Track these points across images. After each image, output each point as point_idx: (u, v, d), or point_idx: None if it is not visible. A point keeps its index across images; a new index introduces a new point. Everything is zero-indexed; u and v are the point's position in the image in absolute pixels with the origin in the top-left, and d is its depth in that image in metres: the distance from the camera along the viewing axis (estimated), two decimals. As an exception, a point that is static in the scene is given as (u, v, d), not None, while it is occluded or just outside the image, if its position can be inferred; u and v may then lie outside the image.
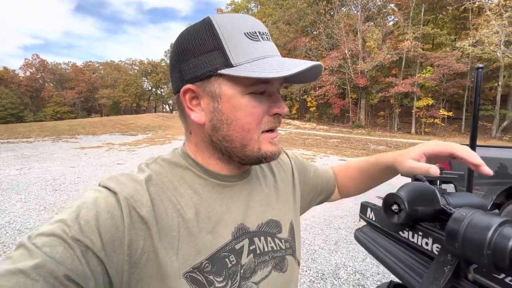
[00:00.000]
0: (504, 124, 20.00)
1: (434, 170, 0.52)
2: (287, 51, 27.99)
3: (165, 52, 60.50)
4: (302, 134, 18.58)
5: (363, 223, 0.89)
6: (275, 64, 0.39)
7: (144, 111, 59.21)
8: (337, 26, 26.00)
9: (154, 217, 0.37)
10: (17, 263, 0.29)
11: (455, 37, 24.04)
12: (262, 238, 0.48)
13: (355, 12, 27.01)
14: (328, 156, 10.55)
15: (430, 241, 0.60)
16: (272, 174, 0.57)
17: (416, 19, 23.81)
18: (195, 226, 0.41)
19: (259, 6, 38.91)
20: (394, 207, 0.65)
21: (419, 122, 22.80)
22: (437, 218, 0.58)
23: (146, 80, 62.69)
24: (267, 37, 0.42)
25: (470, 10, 21.81)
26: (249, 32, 0.40)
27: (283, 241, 0.52)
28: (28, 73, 56.37)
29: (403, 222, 0.62)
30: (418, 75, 22.30)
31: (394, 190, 0.70)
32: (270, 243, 0.49)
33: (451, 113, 22.18)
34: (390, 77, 23.52)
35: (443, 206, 0.58)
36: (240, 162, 0.46)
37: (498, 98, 19.84)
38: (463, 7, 21.61)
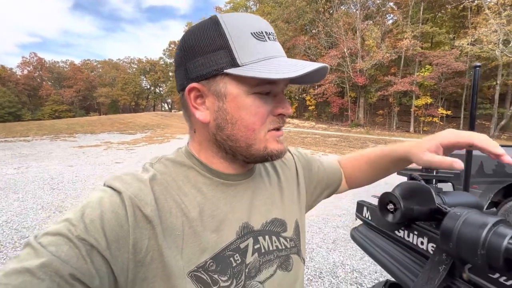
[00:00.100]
0: (502, 122, 20.06)
1: (458, 164, 0.47)
2: (286, 50, 27.90)
3: (164, 50, 60.35)
4: (301, 133, 18.58)
5: (359, 222, 0.89)
6: (281, 65, 0.39)
7: (142, 109, 59.07)
8: (336, 25, 25.96)
9: (159, 216, 0.37)
10: (24, 262, 0.30)
11: (454, 35, 24.08)
12: (267, 237, 0.48)
13: (354, 10, 26.97)
14: (327, 155, 10.57)
15: (425, 240, 0.59)
16: (276, 172, 0.57)
17: (415, 18, 23.80)
18: (199, 225, 0.41)
19: (258, 4, 38.77)
20: (390, 206, 0.64)
21: (417, 121, 22.85)
22: (433, 217, 0.58)
23: (144, 79, 62.50)
24: (273, 37, 0.42)
25: (469, 9, 21.82)
26: (256, 32, 0.40)
27: (288, 239, 0.52)
28: (25, 72, 56.08)
29: (398, 221, 0.62)
30: (417, 73, 22.32)
31: (389, 189, 0.70)
32: (275, 242, 0.49)
33: (450, 111, 22.25)
34: (389, 75, 23.53)
35: (438, 205, 0.57)
36: (245, 161, 0.45)
37: (496, 96, 19.90)
38: (462, 6, 21.62)
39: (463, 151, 0.76)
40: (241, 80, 0.40)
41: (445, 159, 0.49)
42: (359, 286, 2.28)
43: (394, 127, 23.63)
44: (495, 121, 20.04)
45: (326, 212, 4.11)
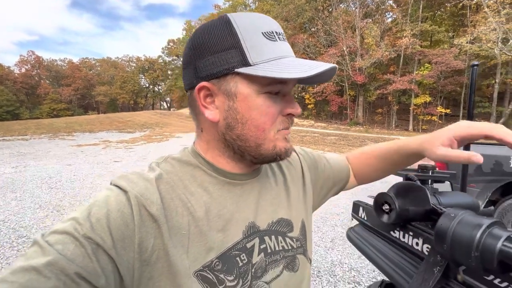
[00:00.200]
0: (501, 121, 20.11)
1: (477, 157, 0.44)
2: (285, 48, 27.72)
3: (162, 48, 60.11)
4: (300, 131, 18.58)
5: (356, 222, 0.89)
6: (292, 65, 0.39)
7: (141, 108, 58.95)
8: (335, 23, 25.90)
9: (164, 215, 0.37)
10: (31, 260, 0.30)
11: (453, 34, 24.06)
12: (273, 237, 0.48)
13: (354, 8, 26.91)
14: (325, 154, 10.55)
15: (420, 241, 0.59)
16: (282, 172, 0.57)
17: (414, 16, 23.76)
18: (205, 224, 0.41)
19: (257, 2, 38.63)
20: (385, 206, 0.64)
21: (416, 119, 22.88)
22: (428, 218, 0.57)
23: (143, 77, 62.29)
24: (283, 38, 0.42)
25: (468, 7, 21.80)
26: (267, 32, 0.40)
27: (294, 240, 0.51)
28: (23, 70, 55.80)
29: (393, 222, 0.62)
30: (416, 72, 22.33)
31: (385, 189, 0.69)
32: (281, 242, 0.49)
33: (449, 110, 22.27)
34: (388, 74, 23.52)
35: (433, 206, 0.57)
36: (253, 161, 0.45)
37: (495, 95, 19.94)
38: (461, 4, 21.60)
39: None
40: (252, 79, 0.40)
41: (462, 153, 0.45)
42: (357, 285, 2.29)
43: (393, 125, 23.65)
44: (493, 120, 20.08)
45: (324, 211, 4.12)
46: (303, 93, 28.49)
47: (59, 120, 25.72)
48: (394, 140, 0.64)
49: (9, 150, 10.19)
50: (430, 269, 0.51)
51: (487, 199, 3.16)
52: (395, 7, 25.18)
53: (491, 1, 18.54)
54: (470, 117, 1.23)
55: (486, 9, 18.45)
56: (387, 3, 25.85)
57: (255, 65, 0.39)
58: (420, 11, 23.30)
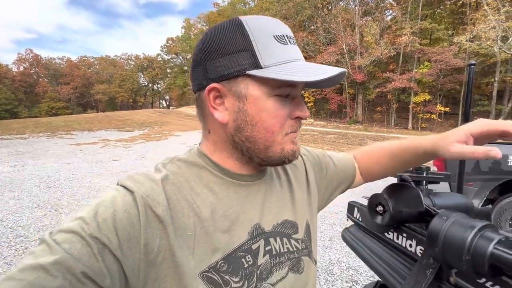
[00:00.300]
0: (500, 119, 20.11)
1: (495, 152, 0.42)
2: (285, 46, 27.62)
3: (161, 47, 59.88)
4: (300, 130, 18.53)
5: (351, 222, 0.88)
6: (303, 68, 0.40)
7: (140, 106, 58.78)
8: (335, 21, 25.81)
9: (170, 216, 0.38)
10: (39, 258, 0.31)
11: (452, 32, 24.00)
12: (278, 238, 0.48)
13: (353, 6, 26.82)
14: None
15: (414, 243, 0.59)
16: (286, 174, 0.57)
17: (414, 14, 23.69)
18: (211, 225, 0.41)
19: (256, 0, 38.49)
20: (379, 208, 0.63)
21: (416, 118, 22.88)
22: (422, 219, 0.57)
23: (142, 76, 62.10)
24: (293, 41, 0.43)
25: (468, 5, 21.74)
26: (278, 35, 0.41)
27: (299, 241, 0.52)
28: (21, 68, 55.56)
29: (387, 223, 0.61)
30: (416, 70, 22.29)
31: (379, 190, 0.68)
32: (286, 244, 0.49)
33: (448, 108, 22.27)
34: (388, 72, 23.48)
35: (427, 207, 0.57)
36: (261, 163, 0.46)
37: (494, 93, 19.94)
38: (461, 2, 21.53)
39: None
40: (262, 82, 0.40)
41: (479, 148, 0.44)
42: (355, 284, 2.30)
43: (393, 124, 23.66)
44: (493, 118, 20.08)
45: (323, 210, 4.12)
46: (302, 92, 28.39)
47: (58, 119, 25.66)
48: (405, 138, 0.63)
49: (7, 149, 10.16)
50: (422, 271, 0.51)
51: (485, 198, 3.17)
52: (395, 5, 25.10)
53: (491, -1, 18.49)
54: (467, 115, 1.22)
55: (485, 7, 18.40)
56: (386, 1, 25.78)
57: (266, 67, 0.39)
58: (420, 9, 23.23)
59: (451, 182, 2.78)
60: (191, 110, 35.67)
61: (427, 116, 22.06)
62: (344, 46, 24.45)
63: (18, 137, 14.33)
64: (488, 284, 0.44)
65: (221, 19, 43.41)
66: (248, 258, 0.43)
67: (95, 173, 6.35)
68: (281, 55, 0.40)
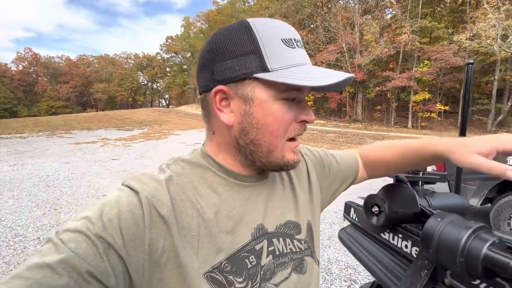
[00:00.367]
0: (500, 118, 20.14)
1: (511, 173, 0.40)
2: (284, 45, 27.50)
3: (161, 45, 59.74)
4: (299, 128, 18.51)
5: (347, 222, 0.88)
6: (310, 73, 0.40)
7: (140, 105, 58.72)
8: (335, 19, 25.73)
9: (174, 217, 0.38)
10: (45, 257, 0.31)
11: (452, 30, 23.95)
12: (281, 239, 0.48)
13: (353, 5, 26.73)
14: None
15: (409, 244, 0.59)
16: (288, 175, 0.57)
17: (414, 12, 23.61)
18: (215, 226, 0.41)
19: (255, -1, 38.34)
20: (375, 208, 0.63)
21: (415, 116, 22.86)
22: (418, 220, 0.56)
23: (141, 74, 61.96)
24: (301, 45, 0.43)
25: (468, 3, 21.68)
26: (286, 39, 0.41)
27: (302, 241, 0.52)
28: (20, 67, 55.38)
29: (382, 224, 0.61)
30: (415, 69, 22.25)
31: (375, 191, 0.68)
32: (289, 244, 0.49)
33: (448, 107, 22.25)
34: (387, 71, 23.44)
35: (422, 208, 0.56)
36: (262, 167, 0.46)
37: (494, 92, 19.92)
38: (461, 0, 21.46)
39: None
40: (269, 85, 0.40)
41: (498, 166, 0.41)
42: (353, 283, 2.30)
43: (392, 122, 23.65)
44: (492, 117, 20.11)
45: (322, 209, 4.12)
46: (302, 90, 28.29)
47: (57, 118, 25.62)
48: (415, 139, 0.62)
49: (6, 148, 10.15)
50: (417, 272, 0.51)
51: (484, 197, 3.18)
52: (395, 3, 25.01)
53: (491, -3, 18.43)
54: (465, 114, 1.22)
55: (485, 5, 18.35)
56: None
57: (273, 71, 0.39)
58: (420, 7, 23.15)
59: (450, 181, 2.78)
60: (191, 109, 35.64)
61: (427, 115, 22.04)
62: (344, 45, 24.40)
63: (17, 136, 14.31)
64: (483, 286, 0.44)
65: (221, 17, 43.26)
66: (252, 258, 0.43)
67: (94, 172, 6.35)
68: (289, 58, 0.40)
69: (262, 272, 0.43)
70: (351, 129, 19.52)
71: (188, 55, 54.11)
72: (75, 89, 55.38)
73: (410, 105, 22.64)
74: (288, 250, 0.49)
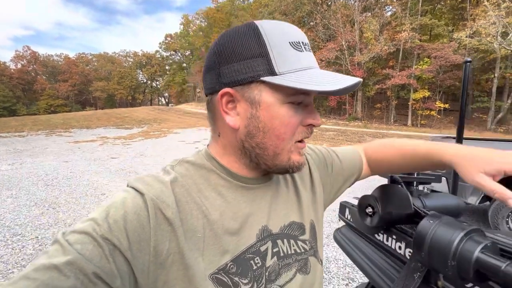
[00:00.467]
0: (499, 116, 20.13)
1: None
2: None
3: (160, 43, 59.50)
4: (299, 126, 18.48)
5: (343, 223, 0.87)
6: (318, 77, 0.40)
7: (139, 104, 58.64)
8: (334, 17, 25.62)
9: (180, 219, 0.38)
10: (52, 258, 0.31)
11: (452, 28, 23.86)
12: (285, 240, 0.49)
13: (352, 2, 26.61)
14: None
15: (403, 245, 0.58)
16: (291, 176, 0.57)
17: (414, 10, 23.51)
18: (220, 227, 0.41)
19: (255, -4, 38.10)
20: (368, 209, 0.62)
21: (415, 114, 22.85)
22: (412, 221, 0.56)
23: (141, 73, 61.82)
24: (308, 48, 0.43)
25: (468, 1, 21.59)
26: (294, 42, 0.41)
27: (306, 242, 0.52)
28: (19, 66, 55.20)
29: (376, 225, 0.60)
30: (415, 66, 22.19)
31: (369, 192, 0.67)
32: (293, 245, 0.50)
33: (447, 105, 22.23)
34: (387, 69, 23.37)
35: (416, 209, 0.55)
36: (267, 170, 0.46)
37: (494, 90, 19.89)
38: (461, -3, 21.35)
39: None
40: (276, 88, 0.40)
41: (501, 191, 0.41)
42: (351, 281, 2.30)
43: (392, 120, 23.64)
44: (492, 114, 20.10)
45: (321, 207, 4.12)
46: (302, 88, 28.22)
47: (57, 116, 25.58)
48: (423, 142, 0.61)
49: (5, 147, 10.13)
50: (410, 275, 0.50)
51: (482, 195, 3.17)
52: (395, 0, 24.89)
53: (491, -6, 18.33)
54: (462, 112, 1.21)
55: (486, 3, 18.26)
56: (386, -3, 25.54)
57: (281, 74, 0.39)
58: (420, 4, 23.05)
59: (449, 179, 2.77)
60: (190, 107, 35.59)
61: (427, 113, 22.02)
62: (343, 43, 24.31)
63: (16, 135, 14.29)
64: (476, 289, 0.43)
65: (220, 15, 43.04)
66: (257, 260, 0.43)
67: (93, 171, 6.34)
68: (296, 62, 0.40)
69: (267, 274, 0.44)
70: (350, 127, 19.51)
71: (188, 53, 53.95)
72: (74, 87, 55.24)
73: (409, 103, 22.62)
74: (292, 251, 0.49)
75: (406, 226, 0.64)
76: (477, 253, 0.35)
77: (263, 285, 0.42)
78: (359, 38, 24.63)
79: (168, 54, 59.34)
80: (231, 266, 0.40)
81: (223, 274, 0.39)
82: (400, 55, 23.41)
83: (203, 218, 0.40)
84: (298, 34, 0.42)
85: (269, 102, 0.40)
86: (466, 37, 19.25)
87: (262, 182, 0.49)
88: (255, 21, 0.41)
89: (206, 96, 0.46)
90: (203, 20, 49.81)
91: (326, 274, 2.41)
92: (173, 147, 10.15)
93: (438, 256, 0.40)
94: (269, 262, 0.45)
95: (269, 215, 0.48)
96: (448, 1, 23.94)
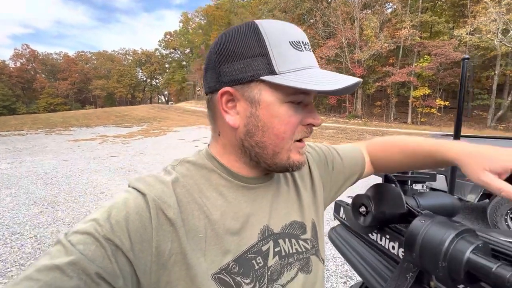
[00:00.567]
0: (499, 113, 20.09)
1: None
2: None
3: (159, 41, 59.24)
4: (298, 124, 18.45)
5: (338, 222, 0.87)
6: (318, 76, 0.40)
7: (139, 102, 58.58)
8: (334, 14, 25.50)
9: (181, 219, 0.38)
10: (54, 259, 0.31)
11: (453, 25, 23.73)
12: (287, 240, 0.49)
13: (353, -1, 26.44)
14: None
15: (396, 245, 0.57)
16: (291, 174, 0.57)
17: (414, 7, 23.39)
18: (221, 227, 0.41)
19: (255, -7, 37.86)
20: (362, 209, 0.62)
21: (415, 112, 22.81)
22: (406, 220, 0.55)
23: (140, 71, 61.69)
24: (308, 48, 0.43)
25: (469, -3, 21.45)
26: (294, 41, 0.41)
27: (308, 241, 0.52)
28: (18, 64, 55.06)
29: (369, 225, 0.59)
30: (415, 64, 22.12)
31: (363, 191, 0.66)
32: (295, 245, 0.50)
33: (447, 102, 22.17)
34: (387, 66, 23.31)
35: (410, 208, 0.55)
36: (267, 168, 0.46)
37: (494, 87, 19.84)
38: (462, -6, 21.21)
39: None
40: (276, 88, 0.40)
41: (509, 189, 0.40)
42: (349, 279, 2.31)
43: (392, 118, 23.61)
44: (492, 112, 20.06)
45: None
46: (302, 86, 28.14)
47: (56, 115, 25.58)
48: (426, 139, 0.59)
49: (5, 145, 10.14)
50: (403, 275, 0.49)
51: (481, 192, 3.17)
52: (395, -3, 24.73)
53: (492, -9, 18.20)
54: (460, 110, 1.20)
55: (486, -1, 18.17)
56: (387, -6, 25.37)
57: (280, 74, 0.39)
58: (420, 1, 22.93)
59: (447, 177, 2.76)
60: (190, 105, 35.54)
61: (427, 110, 21.98)
62: (343, 40, 24.22)
63: (16, 133, 14.29)
64: (468, 290, 0.43)
65: (220, 12, 42.81)
66: (259, 259, 0.43)
67: (92, 169, 6.34)
68: (296, 61, 0.40)
69: (269, 273, 0.44)
70: (350, 125, 19.49)
71: (187, 51, 53.76)
72: (74, 85, 55.14)
73: (410, 101, 22.58)
74: (294, 251, 0.49)
75: (401, 226, 0.63)
76: (468, 254, 0.35)
77: (265, 285, 0.43)
78: (359, 36, 24.53)
79: (167, 52, 59.16)
80: (233, 266, 0.40)
81: (225, 274, 0.39)
82: (400, 52, 23.32)
83: (205, 219, 0.40)
84: (298, 34, 0.42)
85: (269, 101, 0.40)
86: (467, 34, 19.16)
87: (263, 182, 0.49)
88: (255, 21, 0.41)
89: (206, 95, 0.46)
90: (202, 18, 49.58)
91: (325, 272, 2.41)
92: (172, 145, 10.15)
93: (429, 257, 0.39)
94: (271, 261, 0.45)
95: (270, 214, 0.48)
96: (449, -2, 23.79)
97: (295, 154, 0.45)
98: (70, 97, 55.72)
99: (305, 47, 0.42)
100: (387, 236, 0.60)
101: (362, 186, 0.75)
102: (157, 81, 64.41)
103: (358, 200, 0.62)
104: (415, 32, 21.95)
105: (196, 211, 0.40)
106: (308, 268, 0.50)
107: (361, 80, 0.42)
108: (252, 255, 0.43)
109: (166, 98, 67.54)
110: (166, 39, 57.89)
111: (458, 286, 0.44)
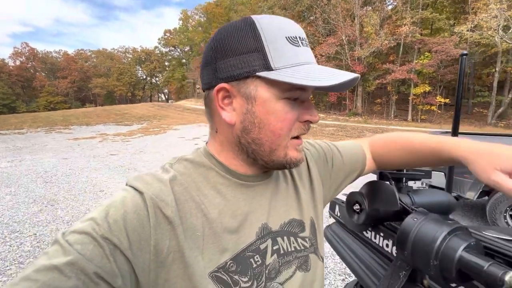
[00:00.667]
0: (500, 110, 20.02)
1: None
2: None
3: (159, 39, 58.95)
4: (298, 122, 18.42)
5: (333, 219, 0.86)
6: (315, 72, 0.39)
7: (139, 100, 58.44)
8: (334, 11, 25.33)
9: (179, 217, 0.38)
10: (52, 259, 0.31)
11: (454, 22, 23.58)
12: (285, 238, 0.48)
13: (353, -4, 26.24)
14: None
15: (390, 243, 0.57)
16: (290, 173, 0.56)
17: (415, 3, 23.21)
18: (219, 226, 0.41)
19: (254, -10, 37.61)
20: (356, 206, 0.61)
21: (415, 109, 22.73)
22: (400, 218, 0.54)
23: (140, 69, 61.52)
24: (306, 43, 0.42)
25: (470, -6, 21.28)
26: (290, 37, 0.40)
27: (306, 239, 0.52)
28: (18, 62, 54.90)
29: (363, 222, 0.59)
30: (416, 61, 22.01)
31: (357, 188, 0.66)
32: (293, 243, 0.49)
33: (448, 100, 22.09)
34: (388, 63, 23.18)
35: (403, 205, 0.54)
36: (265, 166, 0.46)
37: (495, 84, 19.75)
38: (463, -10, 21.04)
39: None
40: (273, 84, 0.40)
41: None
42: (347, 276, 2.31)
43: (392, 115, 23.54)
44: (492, 109, 19.99)
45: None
46: (302, 84, 28.03)
47: (56, 113, 25.58)
48: (431, 136, 0.58)
49: (5, 144, 10.14)
50: (396, 273, 0.49)
51: (480, 190, 3.16)
52: (396, -6, 24.55)
53: (494, -13, 18.05)
54: (458, 106, 1.19)
55: (488, -4, 18.01)
56: (387, -10, 25.19)
57: (277, 70, 0.39)
58: (421, -2, 22.75)
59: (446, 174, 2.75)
60: (190, 103, 35.47)
61: (427, 108, 21.90)
62: (343, 37, 24.08)
63: (16, 132, 14.29)
64: (461, 288, 0.42)
65: (219, 10, 42.57)
66: (257, 258, 0.43)
67: (92, 167, 6.35)
68: (293, 57, 0.39)
69: (267, 272, 0.43)
70: (350, 123, 19.45)
71: (187, 48, 53.55)
72: (74, 84, 55.06)
73: (410, 98, 22.48)
74: (293, 249, 0.48)
75: (396, 223, 0.63)
76: (460, 252, 0.34)
77: (263, 283, 0.42)
78: (359, 33, 24.39)
79: (167, 50, 58.93)
80: (231, 265, 0.40)
81: (222, 272, 0.39)
82: (401, 49, 23.20)
83: (202, 217, 0.40)
84: (295, 29, 0.41)
85: (265, 98, 0.40)
86: (467, 31, 19.04)
87: (262, 179, 0.48)
88: (252, 16, 0.41)
89: (204, 91, 0.46)
90: (202, 15, 49.35)
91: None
92: (172, 143, 10.14)
93: (421, 255, 0.39)
94: (269, 260, 0.44)
95: (269, 212, 0.47)
96: (450, -6, 23.60)
97: (292, 151, 0.44)
98: (70, 96, 55.67)
99: (302, 43, 0.41)
100: (381, 234, 0.59)
101: (361, 184, 0.74)
102: (157, 79, 64.27)
103: (352, 198, 0.61)
104: (416, 29, 21.80)
105: (194, 210, 0.40)
106: (306, 266, 0.49)
107: (359, 75, 0.41)
108: (250, 254, 0.42)
109: (166, 96, 67.43)
110: (165, 37, 57.65)
111: (452, 285, 0.43)
